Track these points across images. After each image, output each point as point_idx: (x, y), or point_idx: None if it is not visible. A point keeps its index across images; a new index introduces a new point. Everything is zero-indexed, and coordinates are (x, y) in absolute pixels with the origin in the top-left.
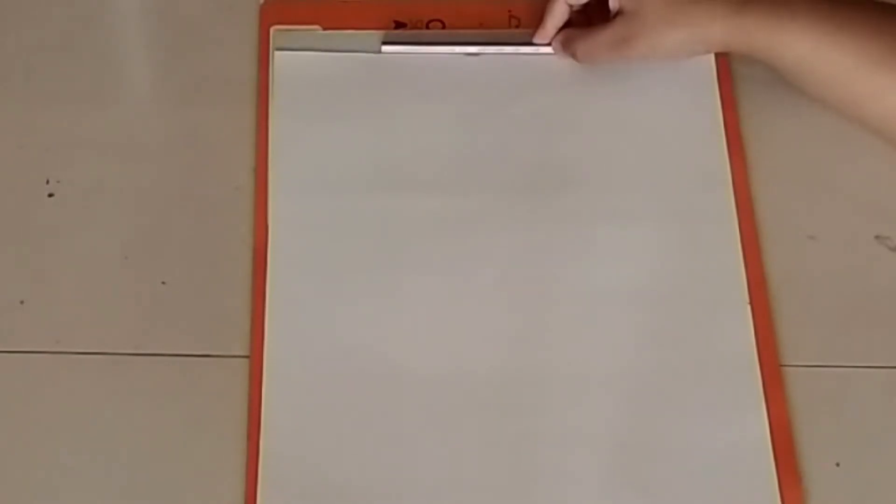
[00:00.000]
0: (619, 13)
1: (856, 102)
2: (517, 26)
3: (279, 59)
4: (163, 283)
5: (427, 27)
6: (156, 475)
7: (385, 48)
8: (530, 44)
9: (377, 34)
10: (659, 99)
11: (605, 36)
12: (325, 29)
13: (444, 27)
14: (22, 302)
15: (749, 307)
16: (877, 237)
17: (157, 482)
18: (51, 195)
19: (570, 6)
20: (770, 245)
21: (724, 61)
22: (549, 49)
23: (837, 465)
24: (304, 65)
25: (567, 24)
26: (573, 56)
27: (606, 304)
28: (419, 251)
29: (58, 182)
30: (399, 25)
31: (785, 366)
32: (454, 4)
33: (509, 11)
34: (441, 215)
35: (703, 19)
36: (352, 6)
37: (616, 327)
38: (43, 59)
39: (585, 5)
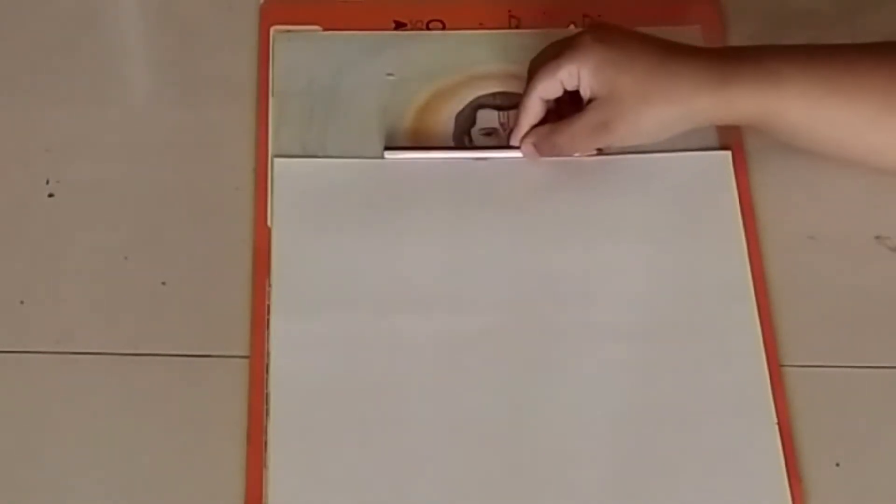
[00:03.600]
0: (591, 100)
1: (852, 160)
2: (517, 26)
3: (279, 166)
4: (163, 283)
5: (427, 27)
6: (155, 475)
7: (388, 154)
8: None
9: (377, 35)
10: (670, 180)
11: (581, 124)
12: (325, 29)
13: (444, 27)
14: (22, 302)
15: (775, 425)
16: (877, 237)
17: (156, 482)
18: (51, 195)
19: (546, 102)
20: (770, 245)
21: None
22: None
23: (837, 465)
24: (305, 172)
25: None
26: (551, 150)
27: (619, 431)
28: (422, 373)
29: (58, 182)
30: (399, 25)
31: (785, 366)
32: (454, 4)
33: (509, 11)
34: (444, 334)
35: (682, 95)
36: (352, 6)
37: (628, 450)
38: (43, 59)
39: (558, 102)
